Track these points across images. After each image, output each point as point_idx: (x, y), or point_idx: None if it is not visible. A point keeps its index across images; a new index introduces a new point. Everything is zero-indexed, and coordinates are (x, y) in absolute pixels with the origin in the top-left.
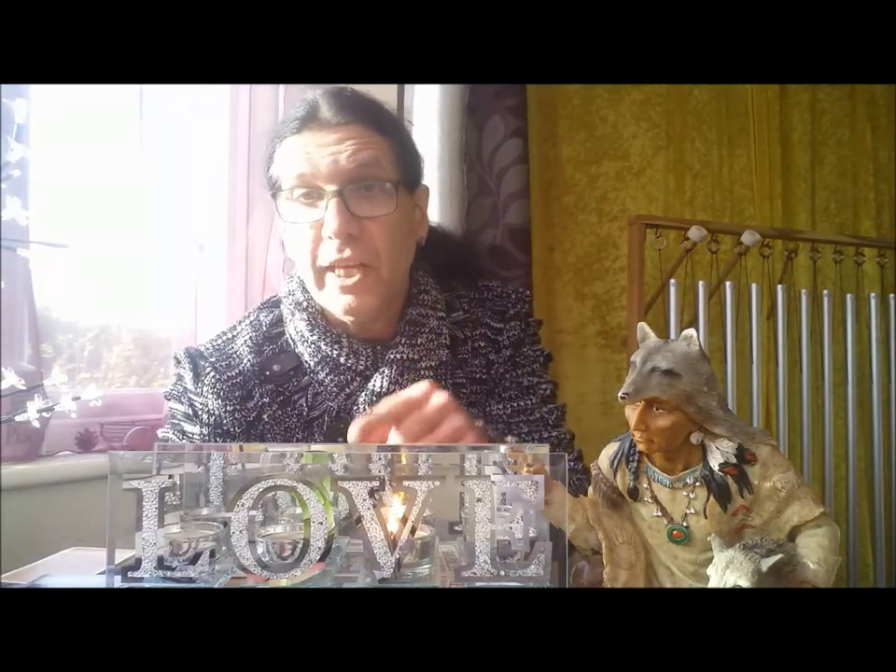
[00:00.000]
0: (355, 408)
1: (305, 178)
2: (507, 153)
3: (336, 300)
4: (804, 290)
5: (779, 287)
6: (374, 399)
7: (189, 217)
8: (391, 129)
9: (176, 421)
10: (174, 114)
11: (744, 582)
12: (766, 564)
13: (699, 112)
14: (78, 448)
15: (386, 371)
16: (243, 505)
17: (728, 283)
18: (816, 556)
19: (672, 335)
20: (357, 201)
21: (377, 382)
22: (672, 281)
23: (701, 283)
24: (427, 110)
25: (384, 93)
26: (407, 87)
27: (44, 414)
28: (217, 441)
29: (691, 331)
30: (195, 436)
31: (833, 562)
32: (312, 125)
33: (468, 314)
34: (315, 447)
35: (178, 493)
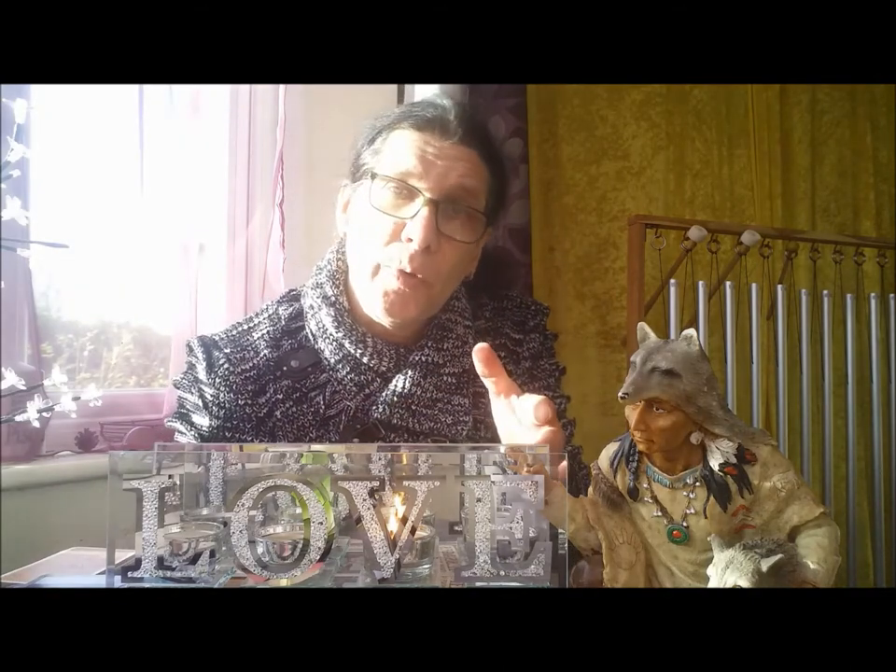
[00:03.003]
0: (373, 408)
1: (410, 175)
2: (507, 153)
3: (381, 297)
4: (804, 290)
5: (779, 286)
6: (395, 399)
7: (189, 217)
8: (499, 171)
9: (185, 411)
10: (174, 114)
11: (744, 582)
12: (766, 564)
13: (699, 112)
14: (78, 448)
15: (410, 372)
16: (243, 505)
17: (728, 283)
18: (816, 556)
19: (672, 335)
20: (445, 217)
21: (399, 383)
22: (672, 281)
23: (701, 283)
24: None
25: (384, 93)
26: (407, 87)
27: (44, 414)
28: (225, 435)
29: (691, 331)
30: (203, 428)
31: (833, 562)
32: (435, 129)
33: (489, 322)
34: (315, 447)
35: (178, 493)
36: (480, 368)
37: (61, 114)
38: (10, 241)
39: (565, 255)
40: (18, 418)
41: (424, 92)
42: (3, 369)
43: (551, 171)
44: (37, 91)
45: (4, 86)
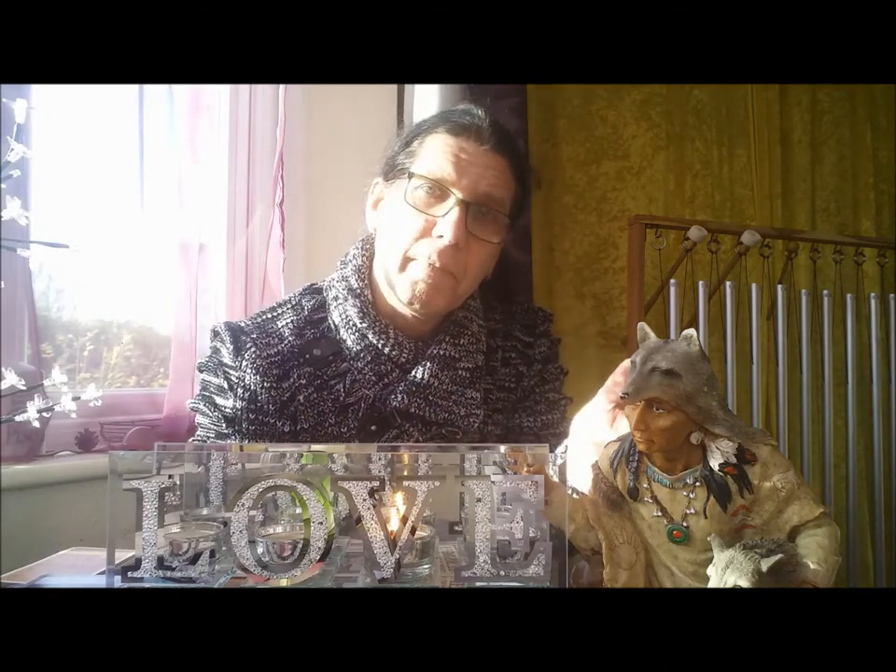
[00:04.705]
0: (392, 397)
1: (443, 178)
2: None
3: (410, 287)
4: (804, 290)
5: (779, 286)
6: (414, 388)
7: (189, 217)
8: (524, 180)
9: (208, 394)
10: (174, 114)
11: (744, 582)
12: (766, 564)
13: (699, 112)
14: (78, 448)
15: (429, 364)
16: (243, 505)
17: (728, 283)
18: (816, 556)
19: (672, 335)
20: (474, 218)
21: (419, 373)
22: (672, 281)
23: (701, 283)
24: (427, 110)
25: (383, 93)
26: (407, 87)
27: (44, 414)
28: (249, 416)
29: (691, 331)
30: (227, 409)
31: (834, 562)
32: (470, 136)
33: (499, 324)
34: (315, 447)
35: (178, 493)
36: (620, 378)
37: (61, 114)
38: (10, 241)
39: (565, 255)
40: (18, 418)
41: (424, 92)
42: (3, 369)
43: (551, 171)
44: (37, 90)
45: (4, 86)
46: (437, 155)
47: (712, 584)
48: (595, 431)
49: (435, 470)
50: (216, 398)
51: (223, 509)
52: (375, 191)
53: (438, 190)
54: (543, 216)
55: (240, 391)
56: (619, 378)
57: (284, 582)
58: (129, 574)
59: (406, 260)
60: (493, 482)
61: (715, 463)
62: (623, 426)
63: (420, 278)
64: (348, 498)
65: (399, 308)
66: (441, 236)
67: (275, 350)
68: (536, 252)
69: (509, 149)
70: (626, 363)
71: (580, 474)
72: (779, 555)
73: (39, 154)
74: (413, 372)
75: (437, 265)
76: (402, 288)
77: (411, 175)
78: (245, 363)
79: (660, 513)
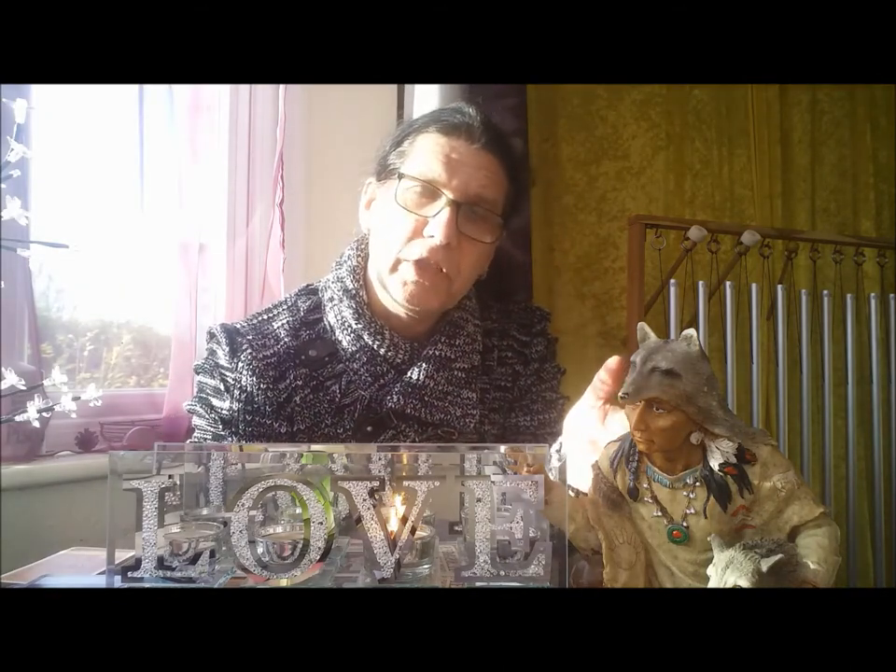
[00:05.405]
0: (388, 398)
1: (434, 179)
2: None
3: (401, 287)
4: (804, 290)
5: (779, 287)
6: (410, 389)
7: (189, 217)
8: (517, 177)
9: (205, 395)
10: (174, 114)
11: (744, 582)
12: (766, 564)
13: (699, 112)
14: (78, 448)
15: (424, 365)
16: (243, 505)
17: (728, 283)
18: (816, 556)
19: (672, 335)
20: (465, 217)
21: (414, 374)
22: (672, 281)
23: (701, 283)
24: (427, 110)
25: (384, 93)
26: (407, 87)
27: (44, 414)
28: (245, 418)
29: (691, 331)
30: (223, 411)
31: (834, 562)
32: (461, 135)
33: (496, 323)
34: (314, 447)
35: (178, 493)
36: (608, 376)
37: (61, 114)
38: (10, 241)
39: (565, 255)
40: (18, 418)
41: (424, 92)
42: (3, 369)
43: (551, 171)
44: (37, 90)
45: (4, 86)
46: (427, 155)
47: (712, 584)
48: (585, 429)
49: (435, 470)
50: (212, 399)
51: (223, 509)
52: (368, 191)
53: (428, 190)
54: (543, 215)
55: (236, 393)
56: (603, 375)
57: (284, 582)
58: (129, 574)
59: (398, 261)
60: (493, 482)
61: (715, 463)
62: (614, 422)
63: (412, 279)
64: (348, 498)
65: (394, 309)
66: (433, 236)
67: (271, 351)
68: (536, 252)
69: (501, 148)
70: (611, 360)
71: (573, 472)
72: (779, 555)
73: (39, 154)
74: (409, 373)
75: (429, 265)
76: (395, 289)
77: (401, 176)
78: (241, 364)
79: (660, 513)
